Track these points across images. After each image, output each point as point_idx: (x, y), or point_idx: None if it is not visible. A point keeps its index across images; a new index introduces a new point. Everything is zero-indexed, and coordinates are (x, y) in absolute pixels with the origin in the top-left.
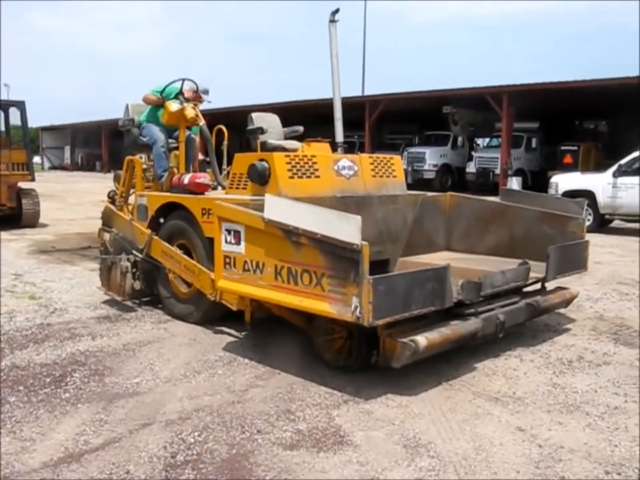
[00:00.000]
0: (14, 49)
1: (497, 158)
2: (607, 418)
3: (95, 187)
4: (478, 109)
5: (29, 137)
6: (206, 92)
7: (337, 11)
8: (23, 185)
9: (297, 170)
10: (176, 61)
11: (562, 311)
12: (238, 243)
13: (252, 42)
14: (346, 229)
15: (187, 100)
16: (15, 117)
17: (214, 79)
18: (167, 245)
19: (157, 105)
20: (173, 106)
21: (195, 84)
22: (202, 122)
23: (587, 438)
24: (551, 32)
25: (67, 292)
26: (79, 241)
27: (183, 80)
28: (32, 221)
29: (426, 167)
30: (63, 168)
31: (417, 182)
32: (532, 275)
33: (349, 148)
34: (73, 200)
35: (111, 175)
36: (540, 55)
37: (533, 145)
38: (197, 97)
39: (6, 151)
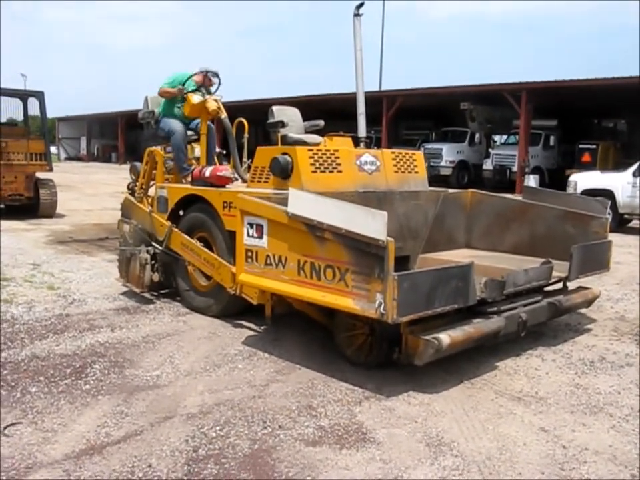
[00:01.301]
0: (31, 40)
1: (514, 155)
2: (631, 420)
3: (111, 178)
4: (496, 105)
5: (47, 127)
6: (215, 75)
7: (362, 4)
8: (40, 175)
9: (320, 164)
10: (191, 53)
11: (582, 310)
12: (260, 237)
13: (263, 36)
14: (371, 224)
15: (199, 86)
16: (33, 107)
17: (228, 71)
18: (186, 237)
19: (175, 96)
20: (195, 98)
21: (207, 71)
22: (224, 114)
23: (612, 440)
24: (572, 29)
25: (85, 283)
26: (97, 232)
27: (206, 72)
28: (49, 211)
29: (442, 163)
30: (78, 159)
31: (433, 178)
32: (554, 274)
33: (358, 142)
34: (89, 191)
35: (126, 166)
36: (560, 52)
37: (551, 143)
38: (207, 80)
39: (24, 141)
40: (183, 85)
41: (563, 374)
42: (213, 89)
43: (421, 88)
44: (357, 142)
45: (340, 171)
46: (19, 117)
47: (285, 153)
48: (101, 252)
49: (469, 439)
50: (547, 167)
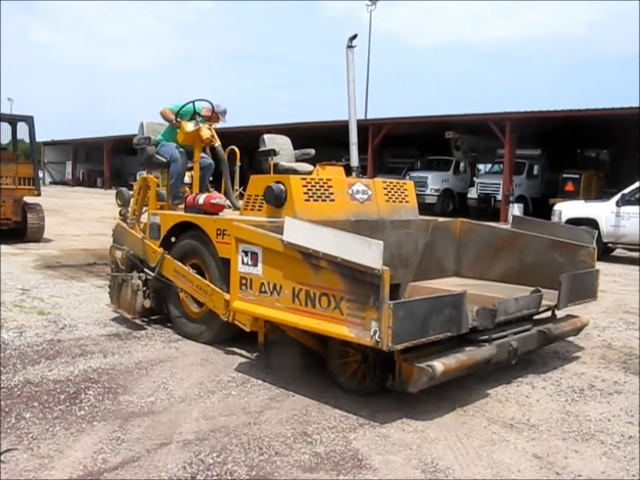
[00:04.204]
0: (17, 63)
1: (499, 184)
2: (622, 447)
3: (97, 203)
4: (480, 134)
5: (35, 152)
6: (224, 113)
7: (355, 36)
8: (28, 199)
9: (313, 193)
10: (179, 78)
11: (570, 338)
12: (255, 265)
13: (252, 60)
14: (367, 253)
15: (204, 118)
16: (21, 132)
17: (216, 95)
18: (179, 264)
19: (170, 122)
20: (189, 126)
21: (212, 104)
22: (217, 143)
23: (604, 467)
24: (557, 60)
25: (75, 308)
26: (84, 257)
27: (194, 101)
28: (37, 236)
29: (428, 192)
30: (64, 183)
31: (418, 206)
32: (543, 302)
33: (350, 171)
34: (75, 215)
35: (112, 192)
36: (544, 82)
37: (535, 172)
38: (214, 116)
39: (13, 165)
40: (177, 113)
41: (554, 401)
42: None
43: (407, 117)
44: (348, 171)
45: (332, 200)
46: (4, 141)
47: (278, 182)
48: (90, 277)
49: (464, 465)
50: (530, 196)
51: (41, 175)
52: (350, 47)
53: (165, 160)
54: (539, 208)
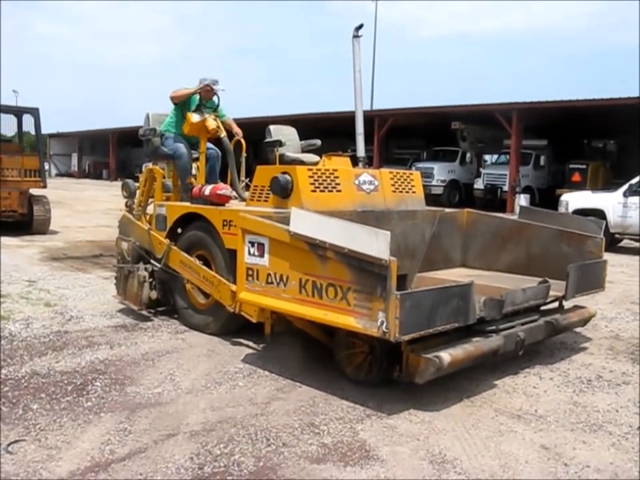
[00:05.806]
0: (22, 56)
1: (505, 175)
2: (630, 438)
3: (102, 195)
4: (487, 125)
5: (41, 144)
6: (215, 82)
7: (361, 26)
8: (34, 191)
9: (319, 184)
10: (184, 70)
11: (578, 329)
12: (262, 255)
13: (255, 54)
14: (374, 244)
15: (203, 98)
16: (27, 124)
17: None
18: (185, 255)
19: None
20: (195, 117)
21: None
22: (223, 134)
23: (613, 458)
24: (564, 49)
25: (82, 300)
26: (90, 249)
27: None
28: (43, 228)
29: (434, 183)
30: (69, 175)
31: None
32: (550, 293)
33: (357, 161)
34: (81, 207)
35: (117, 183)
36: (551, 72)
37: (541, 163)
38: (211, 90)
39: (18, 157)
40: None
41: (561, 392)
42: (215, 99)
43: (413, 107)
44: (355, 161)
45: (339, 191)
46: (9, 133)
47: (285, 172)
48: (96, 269)
49: (472, 456)
50: (537, 187)
51: (46, 166)
52: (356, 36)
53: (169, 153)
54: (546, 199)
